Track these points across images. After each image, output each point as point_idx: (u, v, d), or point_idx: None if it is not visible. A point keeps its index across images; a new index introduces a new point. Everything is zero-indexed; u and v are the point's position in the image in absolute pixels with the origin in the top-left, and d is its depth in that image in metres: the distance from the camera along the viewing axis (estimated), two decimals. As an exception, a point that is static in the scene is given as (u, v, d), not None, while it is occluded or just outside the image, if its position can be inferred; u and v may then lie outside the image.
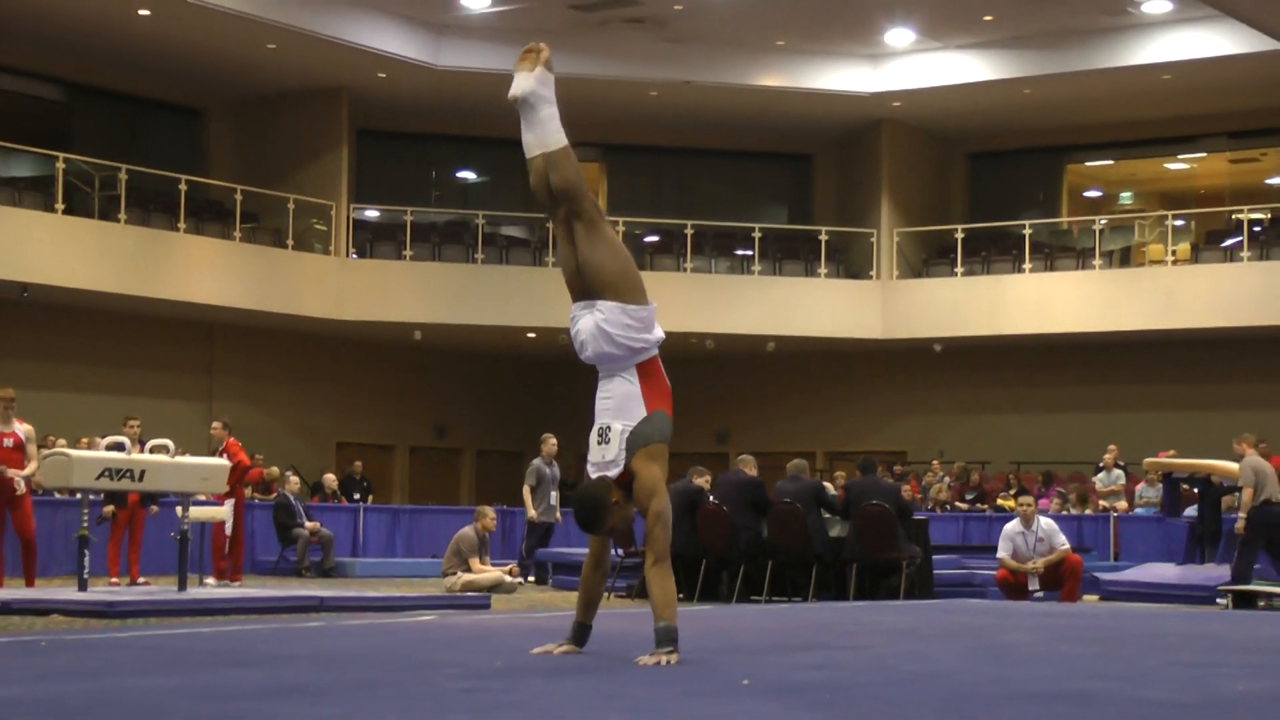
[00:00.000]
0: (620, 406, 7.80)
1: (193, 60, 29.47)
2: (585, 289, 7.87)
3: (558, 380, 35.16)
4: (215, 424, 19.54)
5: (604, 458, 7.72)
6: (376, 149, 32.92)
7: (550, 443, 21.85)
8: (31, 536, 16.44)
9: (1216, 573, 18.58)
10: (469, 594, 17.10)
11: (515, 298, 30.75)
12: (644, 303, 7.88)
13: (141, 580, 17.88)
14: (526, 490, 21.55)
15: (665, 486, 7.80)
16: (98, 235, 27.51)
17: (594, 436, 7.81)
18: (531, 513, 21.34)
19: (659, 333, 7.95)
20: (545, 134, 8.00)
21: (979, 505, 27.31)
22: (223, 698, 6.19)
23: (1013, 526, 18.17)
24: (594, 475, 7.75)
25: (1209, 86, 29.57)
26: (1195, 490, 20.42)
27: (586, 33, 29.48)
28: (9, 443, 16.61)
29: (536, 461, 21.78)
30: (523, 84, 8.07)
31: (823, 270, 32.15)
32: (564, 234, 8.00)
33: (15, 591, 14.53)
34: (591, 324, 7.78)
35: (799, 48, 30.49)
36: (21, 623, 11.70)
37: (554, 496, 21.59)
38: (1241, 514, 18.45)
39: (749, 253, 32.50)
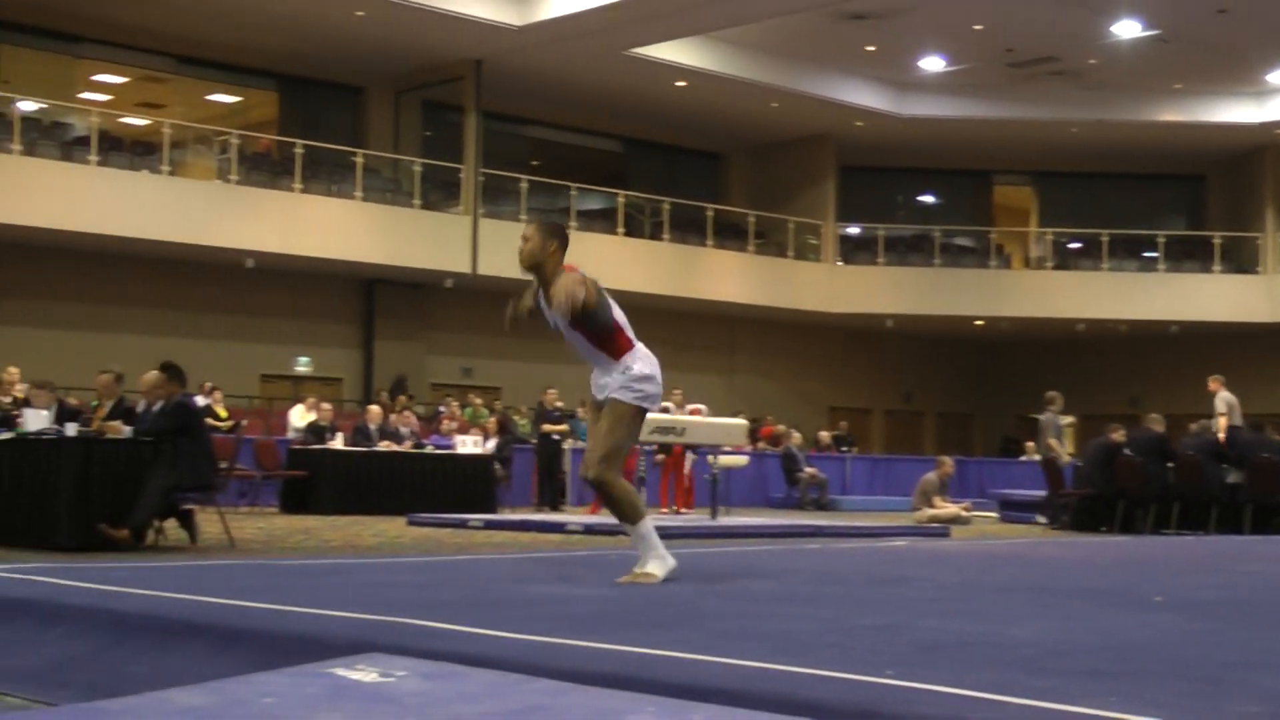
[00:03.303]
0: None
1: (716, 117, 29.91)
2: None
3: (999, 357, 34.73)
4: (676, 392, 19.23)
5: None
6: (856, 180, 32.79)
7: (1060, 400, 20.02)
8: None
9: None
10: (932, 525, 16.88)
11: (965, 293, 30.53)
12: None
13: (683, 511, 18.15)
14: (1053, 440, 19.15)
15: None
16: (647, 251, 28.18)
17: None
18: (1064, 457, 19.01)
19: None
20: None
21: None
22: (744, 601, 6.20)
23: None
24: None
25: None
26: None
27: (1020, 84, 28.92)
28: None
29: (1046, 415, 20.00)
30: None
31: (1216, 267, 30.79)
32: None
33: (595, 518, 14.93)
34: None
35: (1194, 89, 29.21)
36: (598, 541, 12.00)
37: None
38: None
39: (1154, 254, 31.44)
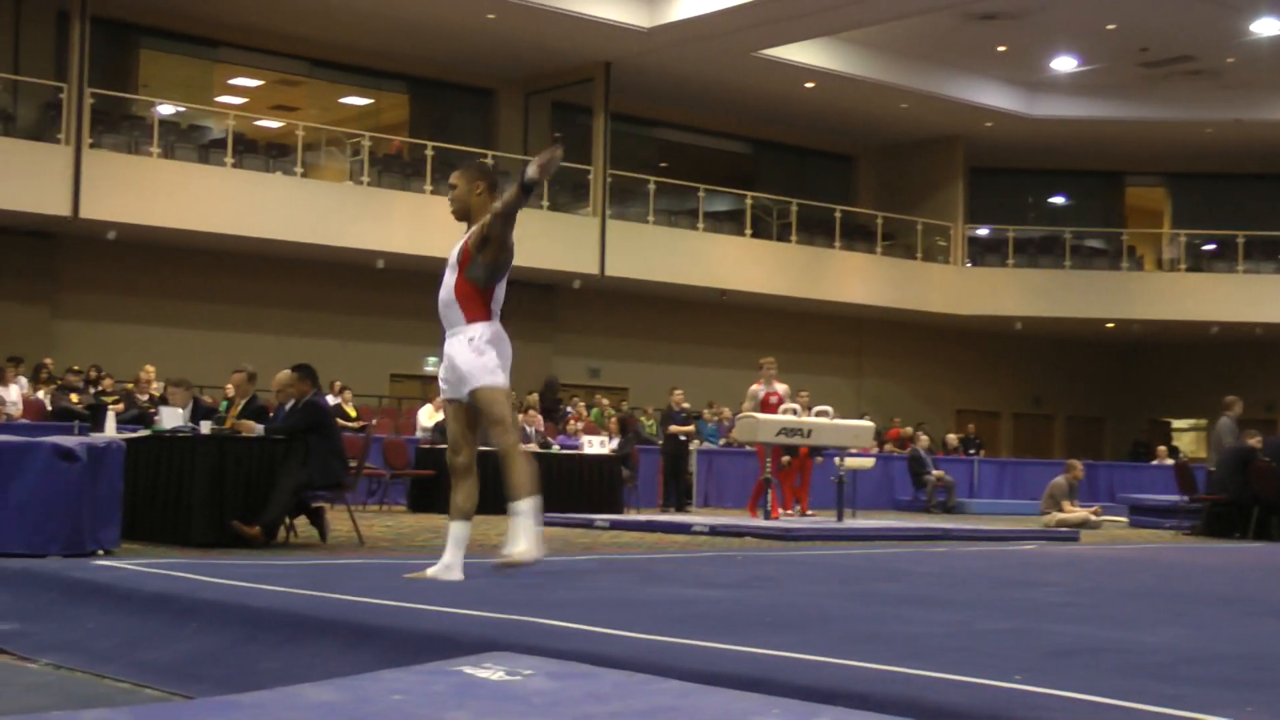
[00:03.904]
0: None
1: (845, 118, 29.77)
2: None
3: (1130, 361, 34.22)
4: (803, 394, 19.02)
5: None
6: (985, 181, 32.50)
7: (1239, 405, 19.34)
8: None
9: None
10: (1061, 529, 16.66)
11: (1096, 296, 30.16)
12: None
13: (810, 513, 18.07)
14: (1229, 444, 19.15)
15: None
16: (775, 253, 28.13)
17: None
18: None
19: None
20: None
21: None
22: (869, 602, 6.18)
23: None
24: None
25: None
26: None
27: (1153, 84, 28.45)
28: (774, 399, 16.77)
29: (1224, 420, 19.33)
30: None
31: (1358, 268, 30.14)
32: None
33: (726, 519, 14.93)
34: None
35: (1338, 87, 28.61)
36: (724, 543, 12.00)
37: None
38: None
39: (1293, 256, 30.77)
